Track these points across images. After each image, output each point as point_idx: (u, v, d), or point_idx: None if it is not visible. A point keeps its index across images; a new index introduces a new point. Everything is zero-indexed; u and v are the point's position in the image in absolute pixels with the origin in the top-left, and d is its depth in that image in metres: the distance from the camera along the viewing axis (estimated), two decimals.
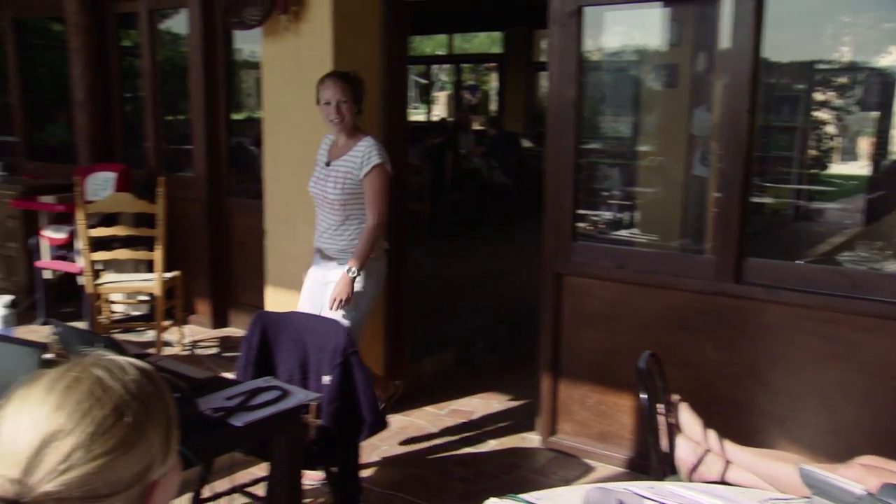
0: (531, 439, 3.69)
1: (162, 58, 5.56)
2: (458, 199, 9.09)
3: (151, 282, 4.45)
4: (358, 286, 3.28)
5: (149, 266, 4.61)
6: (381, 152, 3.31)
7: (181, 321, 4.72)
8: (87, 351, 0.99)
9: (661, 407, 2.23)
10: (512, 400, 4.19)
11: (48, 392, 0.89)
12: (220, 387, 2.36)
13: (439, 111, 16.64)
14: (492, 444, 3.69)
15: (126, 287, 4.60)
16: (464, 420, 3.94)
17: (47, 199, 5.14)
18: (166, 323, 4.61)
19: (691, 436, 2.25)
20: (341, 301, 3.24)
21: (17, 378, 2.09)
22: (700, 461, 2.15)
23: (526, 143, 10.88)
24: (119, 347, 2.51)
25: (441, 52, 16.72)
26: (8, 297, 2.56)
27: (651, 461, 2.17)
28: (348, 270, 3.25)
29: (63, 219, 5.13)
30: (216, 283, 5.15)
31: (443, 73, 17.89)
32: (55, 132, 6.88)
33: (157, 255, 4.38)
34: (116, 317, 5.16)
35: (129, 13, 5.53)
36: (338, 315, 3.24)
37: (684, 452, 2.20)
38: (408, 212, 4.42)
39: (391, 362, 4.14)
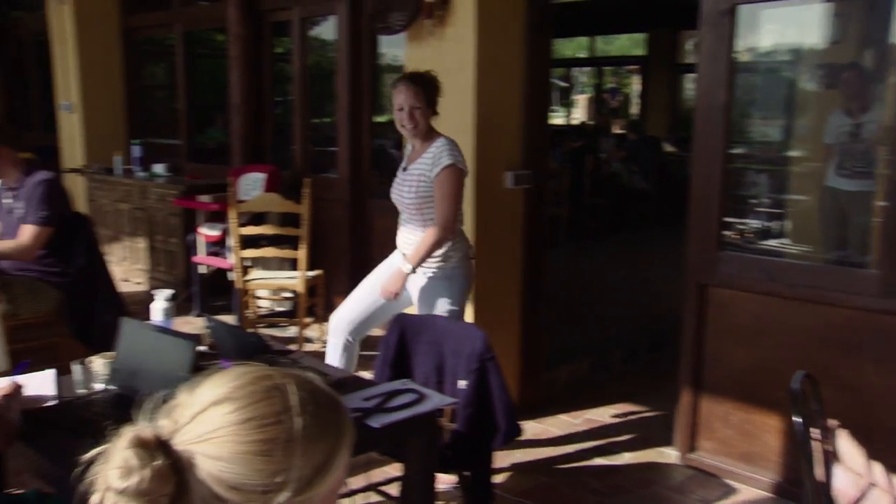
0: (668, 454, 3.55)
1: (311, 63, 5.78)
2: (597, 203, 8.93)
3: (295, 279, 4.62)
4: (423, 289, 3.27)
5: (293, 264, 4.79)
6: (452, 152, 3.22)
7: (322, 318, 4.88)
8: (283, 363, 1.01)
9: (816, 432, 2.07)
10: (649, 412, 4.05)
11: (238, 376, 0.94)
12: (358, 386, 2.41)
13: (579, 114, 16.42)
14: (627, 457, 3.58)
15: (271, 284, 4.81)
16: (598, 430, 3.85)
17: (204, 198, 5.46)
18: (308, 320, 4.77)
19: (852, 466, 2.07)
20: (390, 294, 3.24)
21: (174, 367, 2.21)
22: (863, 496, 1.98)
23: (668, 148, 10.55)
24: (264, 344, 2.62)
25: (582, 54, 16.50)
26: (168, 291, 2.72)
27: (805, 490, 2.02)
28: (406, 269, 3.22)
29: (217, 217, 5.43)
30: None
31: (583, 76, 17.65)
32: (214, 135, 7.31)
33: (301, 253, 4.55)
34: (262, 311, 5.39)
35: (282, 21, 5.79)
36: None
37: (844, 484, 2.02)
38: (546, 216, 4.37)
39: (526, 368, 4.11)
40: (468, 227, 3.80)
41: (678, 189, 4.77)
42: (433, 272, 3.30)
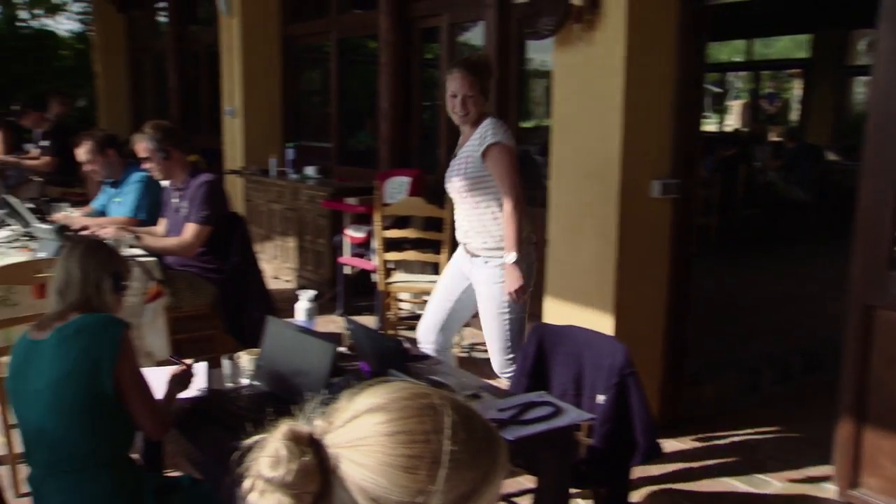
0: (826, 489, 3.29)
1: None
2: (751, 214, 8.49)
3: (435, 283, 4.66)
4: (484, 278, 3.22)
5: (434, 268, 4.83)
6: (498, 130, 3.15)
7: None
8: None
9: None
10: (802, 438, 3.78)
11: (397, 389, 0.94)
12: (494, 396, 2.38)
13: (733, 121, 15.70)
14: (776, 486, 3.35)
15: (413, 287, 4.87)
16: (745, 454, 3.63)
17: (351, 200, 5.62)
18: None
19: None
20: (520, 292, 3.15)
21: (315, 367, 2.27)
22: None
23: (830, 156, 9.88)
24: (402, 349, 2.64)
25: (738, 58, 15.76)
26: (311, 292, 2.80)
27: None
28: (508, 258, 3.13)
29: (363, 219, 5.58)
30: None
31: (739, 81, 16.86)
32: (363, 139, 7.53)
33: (443, 258, 4.58)
34: (403, 314, 5.48)
35: (431, 28, 5.88)
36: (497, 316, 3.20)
37: None
38: (694, 227, 4.18)
39: (668, 384, 3.94)
40: (611, 234, 3.70)
41: (841, 200, 4.43)
42: (491, 257, 3.24)
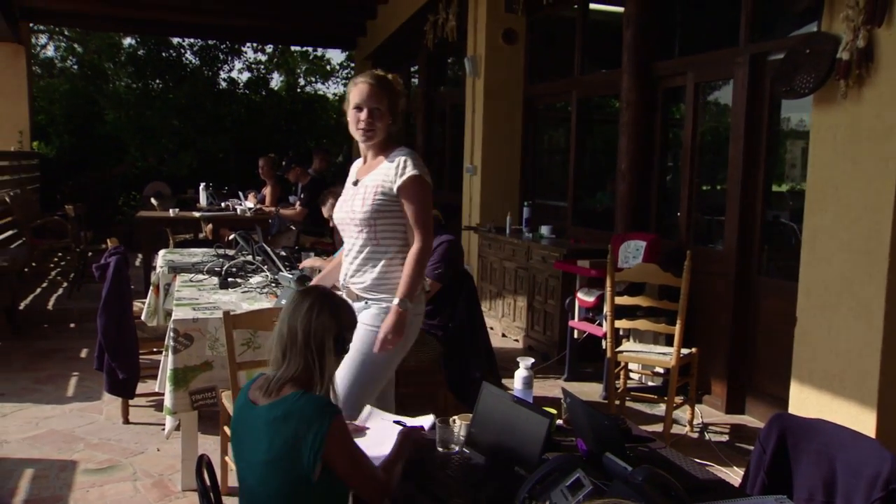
0: None
1: (703, 129, 5.52)
2: None
3: (668, 356, 4.36)
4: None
5: (667, 339, 4.53)
6: (417, 161, 2.75)
7: (694, 400, 4.53)
8: None
9: None
10: None
11: None
12: (722, 494, 2.11)
13: None
14: None
15: (643, 358, 4.59)
16: None
17: (583, 263, 5.47)
18: (678, 399, 4.46)
19: None
20: (392, 342, 2.72)
21: (528, 440, 2.15)
22: None
23: None
24: (620, 430, 2.44)
25: None
26: (530, 360, 2.68)
27: None
28: (399, 303, 2.71)
29: (594, 283, 5.41)
30: (735, 366, 4.84)
31: None
32: (602, 199, 7.39)
33: (677, 329, 4.28)
34: (631, 384, 5.20)
35: (676, 87, 5.65)
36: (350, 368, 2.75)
37: None
38: None
39: None
40: (876, 317, 3.23)
41: None
42: (377, 301, 2.84)
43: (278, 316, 2.17)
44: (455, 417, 2.52)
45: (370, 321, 2.84)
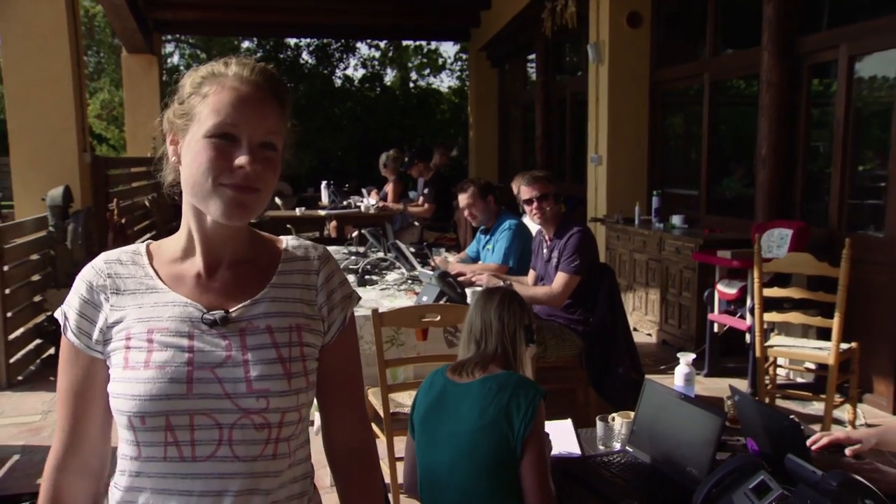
0: None
1: (858, 106, 5.11)
2: None
3: (825, 351, 4.06)
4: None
5: (818, 332, 4.23)
6: None
7: (856, 399, 4.21)
8: None
9: None
10: None
11: None
12: None
13: None
14: None
15: (797, 353, 4.30)
16: None
17: (723, 253, 5.19)
18: (838, 398, 4.15)
19: None
20: None
21: (697, 439, 2.01)
22: None
23: None
24: (800, 432, 2.24)
25: None
26: (691, 355, 2.53)
27: None
28: None
29: (735, 274, 5.13)
30: None
31: None
32: (730, 186, 7.03)
33: (836, 322, 3.98)
34: (779, 381, 4.90)
35: (822, 63, 5.27)
36: None
37: None
38: None
39: None
40: None
41: None
42: None
43: (421, 314, 2.48)
44: (614, 415, 2.41)
45: None
